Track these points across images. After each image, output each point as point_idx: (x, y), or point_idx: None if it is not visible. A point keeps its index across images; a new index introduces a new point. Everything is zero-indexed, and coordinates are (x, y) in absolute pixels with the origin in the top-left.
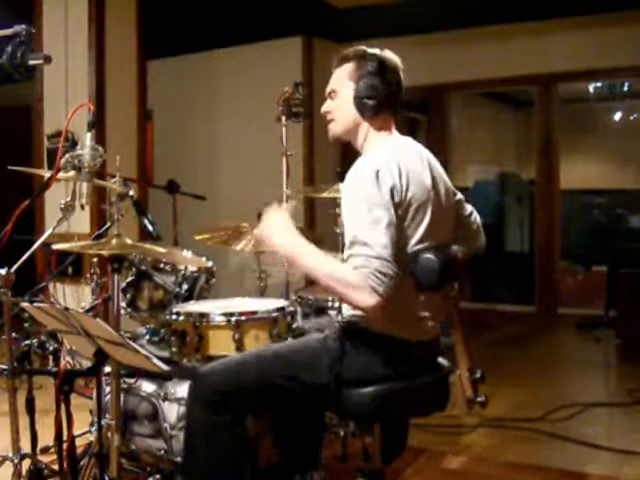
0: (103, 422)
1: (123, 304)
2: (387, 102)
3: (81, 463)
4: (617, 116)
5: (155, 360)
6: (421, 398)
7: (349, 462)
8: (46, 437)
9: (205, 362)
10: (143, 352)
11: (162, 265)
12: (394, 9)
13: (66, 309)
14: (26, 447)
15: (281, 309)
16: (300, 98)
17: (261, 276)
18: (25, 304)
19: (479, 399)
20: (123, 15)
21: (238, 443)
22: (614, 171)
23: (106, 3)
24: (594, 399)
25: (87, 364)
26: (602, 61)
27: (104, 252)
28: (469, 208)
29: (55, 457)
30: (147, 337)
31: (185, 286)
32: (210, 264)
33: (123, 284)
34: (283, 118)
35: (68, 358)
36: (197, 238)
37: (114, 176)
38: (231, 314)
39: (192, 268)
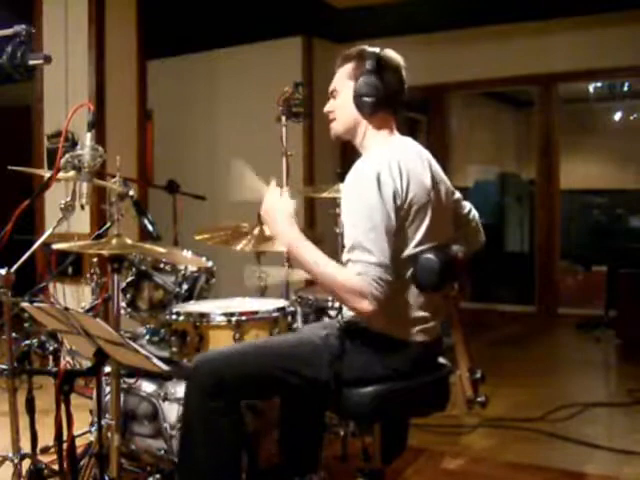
0: (103, 422)
1: (123, 304)
2: (386, 100)
3: (81, 463)
4: (617, 116)
5: (155, 360)
6: (421, 398)
7: (349, 462)
8: (46, 437)
9: None
10: (143, 352)
11: (162, 265)
12: (394, 9)
13: (66, 309)
14: (26, 447)
15: (281, 309)
16: (300, 98)
17: (261, 276)
18: (25, 304)
19: (479, 399)
20: (123, 15)
21: (235, 429)
22: (614, 171)
23: (106, 3)
24: (594, 399)
25: (87, 364)
26: (602, 61)
27: (104, 252)
28: (467, 206)
29: (55, 457)
30: (147, 337)
31: (185, 286)
32: (210, 264)
33: (123, 284)
34: (283, 118)
35: (68, 358)
36: (197, 238)
37: (114, 176)
38: (231, 314)
39: (192, 268)
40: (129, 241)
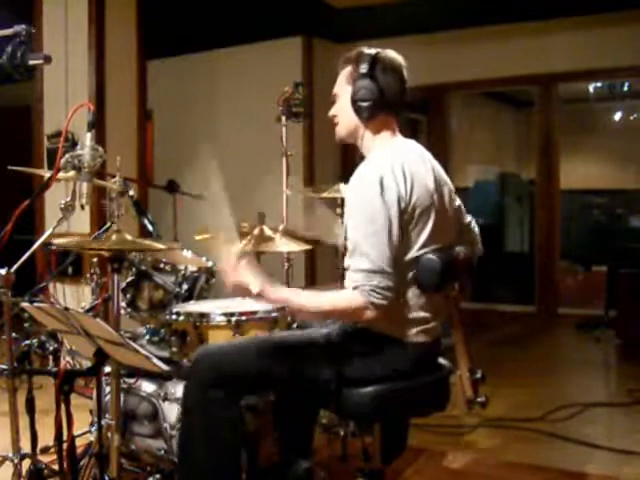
0: (103, 422)
1: (123, 304)
2: (385, 103)
3: (81, 463)
4: (617, 116)
5: (155, 360)
6: (421, 398)
7: (349, 462)
8: (46, 437)
9: None
10: (143, 352)
11: (162, 265)
12: (394, 9)
13: (66, 309)
14: (26, 447)
15: (281, 309)
16: (300, 98)
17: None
18: (25, 304)
19: (479, 399)
20: (123, 15)
21: (233, 423)
22: (614, 171)
23: (106, 3)
24: (594, 399)
25: (87, 364)
26: (602, 61)
27: (104, 249)
28: (469, 217)
29: (55, 457)
30: (147, 337)
31: (185, 286)
32: (210, 264)
33: (123, 284)
34: (283, 118)
35: (68, 358)
36: (197, 238)
37: (114, 176)
38: (231, 314)
39: (192, 268)
40: (129, 237)
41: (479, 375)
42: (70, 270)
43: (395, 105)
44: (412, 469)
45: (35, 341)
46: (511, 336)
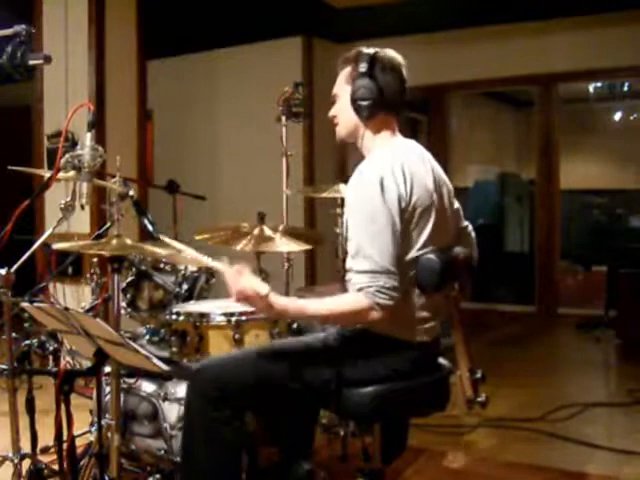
0: (103, 422)
1: (123, 304)
2: (384, 102)
3: (81, 463)
4: (617, 116)
5: (155, 360)
6: (421, 398)
7: (349, 462)
8: (46, 437)
9: None
10: (143, 352)
11: (162, 265)
12: (394, 9)
13: (66, 309)
14: (26, 447)
15: None
16: (300, 98)
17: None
18: (25, 304)
19: (479, 399)
20: (123, 15)
21: (237, 438)
22: (614, 171)
23: (106, 3)
24: (594, 399)
25: (87, 364)
26: (602, 61)
27: (104, 252)
28: (465, 222)
29: (55, 457)
30: (147, 337)
31: (185, 286)
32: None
33: (123, 284)
34: (283, 118)
35: (68, 358)
36: (197, 238)
37: (114, 176)
38: (231, 314)
39: (192, 268)
40: (129, 241)
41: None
42: (70, 270)
43: (395, 104)
44: (412, 469)
45: (35, 341)
46: (511, 336)
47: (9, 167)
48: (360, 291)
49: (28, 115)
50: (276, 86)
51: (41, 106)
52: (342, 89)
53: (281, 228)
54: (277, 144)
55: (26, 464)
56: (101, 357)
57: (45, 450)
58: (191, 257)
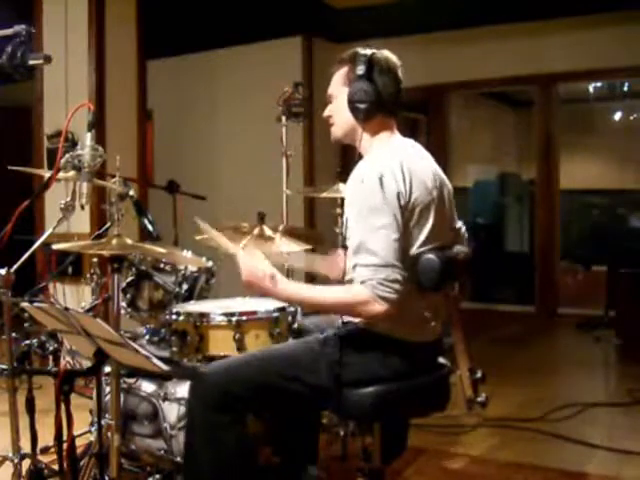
0: (103, 422)
1: (123, 304)
2: (380, 104)
3: (81, 463)
4: (617, 116)
5: (155, 360)
6: (421, 398)
7: (349, 462)
8: (46, 437)
9: (206, 362)
10: (143, 352)
11: (162, 265)
12: (393, 9)
13: (66, 309)
14: (26, 447)
15: (282, 309)
16: (300, 98)
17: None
18: (25, 304)
19: (479, 399)
20: (123, 15)
21: (239, 443)
22: (614, 171)
23: (106, 3)
24: (594, 399)
25: (87, 364)
26: (602, 61)
27: (104, 252)
28: (459, 222)
29: (55, 457)
30: (147, 337)
31: (185, 286)
32: (210, 264)
33: (123, 284)
34: (283, 118)
35: (68, 358)
36: (197, 238)
37: (114, 176)
38: (232, 314)
39: (192, 268)
40: (129, 241)
41: (479, 375)
42: (70, 270)
43: (392, 105)
44: (412, 469)
45: (35, 341)
46: (511, 336)
47: (9, 167)
48: (362, 284)
49: (28, 115)
50: (276, 86)
51: (41, 106)
52: (338, 90)
53: (281, 228)
54: (277, 144)
55: (26, 464)
56: (101, 357)
57: (45, 450)
58: (216, 238)
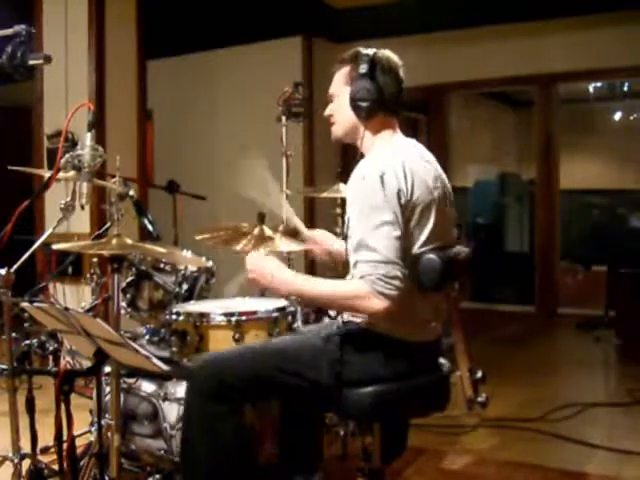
0: (103, 422)
1: (123, 304)
2: (382, 103)
3: (81, 463)
4: (617, 116)
5: (155, 360)
6: (421, 398)
7: (349, 462)
8: (46, 437)
9: None
10: (143, 352)
11: (162, 265)
12: (393, 9)
13: (66, 309)
14: (26, 447)
15: (281, 309)
16: (300, 98)
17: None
18: (25, 304)
19: (479, 399)
20: (123, 15)
21: (236, 433)
22: (614, 171)
23: (106, 3)
24: (594, 399)
25: (87, 364)
26: (602, 61)
27: (104, 252)
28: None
29: (55, 457)
30: (147, 337)
31: (185, 286)
32: (210, 264)
33: (123, 284)
34: (283, 118)
35: (68, 358)
36: (197, 238)
37: (114, 176)
38: (231, 314)
39: (192, 268)
40: (129, 241)
41: (479, 375)
42: (70, 270)
43: (394, 105)
44: (412, 469)
45: (35, 341)
46: (511, 336)
47: (9, 167)
48: (362, 279)
49: (28, 115)
50: (276, 86)
51: (41, 106)
52: (340, 89)
53: (281, 228)
54: (277, 144)
55: (26, 464)
56: (101, 357)
57: (45, 450)
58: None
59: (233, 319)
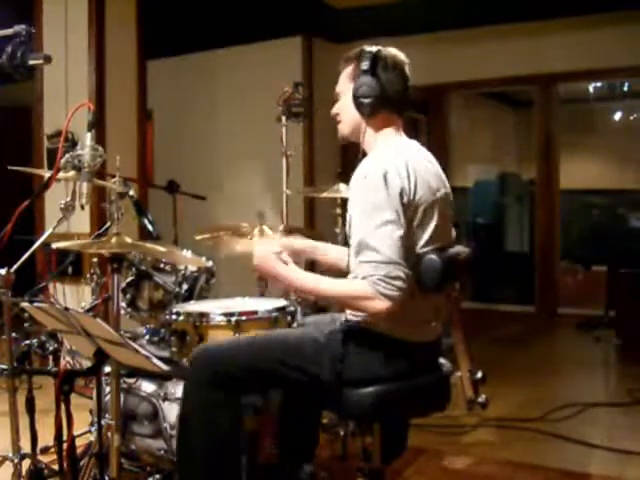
0: (103, 422)
1: (123, 304)
2: (387, 100)
3: (81, 463)
4: (617, 116)
5: (155, 360)
6: (421, 398)
7: (349, 462)
8: (46, 437)
9: None
10: (143, 352)
11: (162, 265)
12: (393, 9)
13: (66, 309)
14: (26, 447)
15: (281, 309)
16: (300, 98)
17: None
18: (25, 304)
19: (479, 400)
20: (123, 15)
21: (233, 421)
22: (614, 171)
23: (106, 3)
24: (594, 399)
25: (87, 364)
26: (602, 61)
27: (104, 252)
28: None
29: (55, 457)
30: (147, 337)
31: (185, 286)
32: (210, 264)
33: (123, 284)
34: (283, 118)
35: (68, 358)
36: (197, 238)
37: (114, 176)
38: (231, 314)
39: (192, 268)
40: (129, 240)
41: (479, 375)
42: (70, 270)
43: (397, 102)
44: (412, 469)
45: (35, 341)
46: (511, 336)
47: (9, 167)
48: (364, 279)
49: (28, 115)
50: (276, 86)
51: (41, 106)
52: (345, 87)
53: (281, 228)
54: (277, 144)
55: (26, 464)
56: (101, 357)
57: (45, 450)
58: None
59: (233, 319)
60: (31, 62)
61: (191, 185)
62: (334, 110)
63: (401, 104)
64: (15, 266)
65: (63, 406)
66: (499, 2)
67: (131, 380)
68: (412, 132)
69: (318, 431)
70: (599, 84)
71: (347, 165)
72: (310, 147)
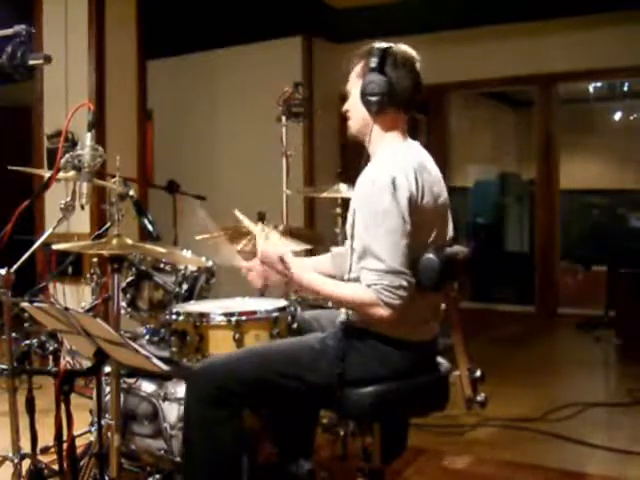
0: (103, 422)
1: (123, 304)
2: (395, 98)
3: (81, 463)
4: (617, 116)
5: (155, 360)
6: (421, 398)
7: (349, 462)
8: (46, 437)
9: None
10: (143, 352)
11: (162, 265)
12: (393, 9)
13: (66, 309)
14: (26, 447)
15: (281, 309)
16: (300, 98)
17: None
18: (25, 304)
19: (478, 399)
20: (123, 15)
21: (236, 438)
22: (614, 171)
23: (106, 3)
24: (594, 399)
25: (87, 364)
26: (602, 61)
27: (104, 252)
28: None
29: (55, 457)
30: (147, 337)
31: (185, 286)
32: (210, 264)
33: (123, 284)
34: (283, 118)
35: (68, 358)
36: (197, 238)
37: (114, 176)
38: (231, 314)
39: (192, 268)
40: (129, 241)
41: (478, 374)
42: (70, 270)
43: (406, 100)
44: (412, 469)
45: (35, 341)
46: (511, 336)
47: (9, 167)
48: (368, 287)
49: (28, 115)
50: (276, 86)
51: (41, 106)
52: (354, 84)
53: (281, 228)
54: (277, 144)
55: (26, 464)
56: (101, 357)
57: (45, 450)
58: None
59: (233, 319)
60: (31, 62)
61: (191, 185)
62: (344, 107)
63: (409, 102)
64: (15, 266)
65: (63, 406)
66: (499, 2)
67: (131, 380)
68: (412, 132)
69: (315, 426)
70: (599, 84)
71: (347, 165)
72: (310, 147)
